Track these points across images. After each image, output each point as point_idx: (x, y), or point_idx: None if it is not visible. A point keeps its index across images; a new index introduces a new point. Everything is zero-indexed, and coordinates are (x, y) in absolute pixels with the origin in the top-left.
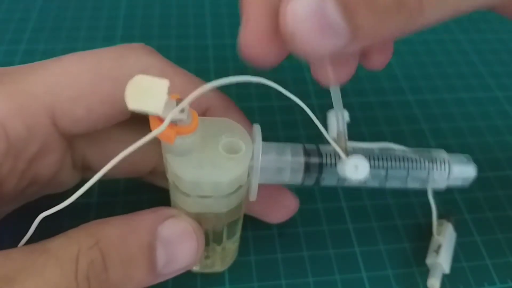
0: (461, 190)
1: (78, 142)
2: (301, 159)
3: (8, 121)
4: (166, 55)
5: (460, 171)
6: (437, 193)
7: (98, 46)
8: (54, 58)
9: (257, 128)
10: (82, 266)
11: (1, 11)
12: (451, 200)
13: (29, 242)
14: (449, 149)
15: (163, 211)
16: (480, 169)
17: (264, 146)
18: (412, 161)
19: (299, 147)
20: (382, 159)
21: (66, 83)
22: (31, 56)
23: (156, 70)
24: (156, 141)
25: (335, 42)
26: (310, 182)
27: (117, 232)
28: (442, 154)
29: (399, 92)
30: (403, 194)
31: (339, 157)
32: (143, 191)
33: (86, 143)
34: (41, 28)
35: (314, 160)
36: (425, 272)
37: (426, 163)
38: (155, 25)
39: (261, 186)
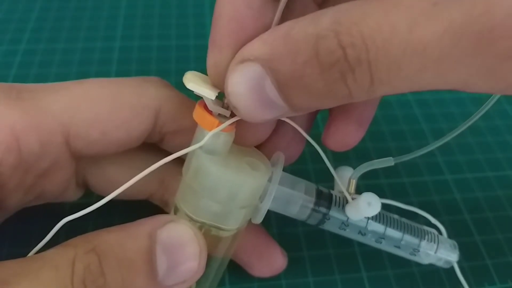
0: (461, 190)
1: (81, 162)
2: (312, 199)
3: (23, 135)
4: (166, 55)
5: (446, 253)
6: (436, 193)
7: (98, 46)
8: (76, 80)
9: (280, 156)
10: (78, 270)
11: (1, 11)
12: (451, 200)
13: (25, 248)
14: (449, 149)
15: (162, 216)
16: (480, 169)
17: (282, 175)
18: (407, 226)
19: (312, 187)
20: (383, 217)
21: (84, 105)
22: (31, 56)
23: (173, 103)
24: (156, 170)
25: (274, 113)
26: (313, 222)
27: (114, 238)
28: (434, 231)
29: None
30: (401, 194)
31: (347, 201)
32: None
33: (89, 164)
34: (41, 28)
35: (324, 202)
36: (425, 272)
37: (419, 231)
38: (155, 25)
39: (253, 236)
